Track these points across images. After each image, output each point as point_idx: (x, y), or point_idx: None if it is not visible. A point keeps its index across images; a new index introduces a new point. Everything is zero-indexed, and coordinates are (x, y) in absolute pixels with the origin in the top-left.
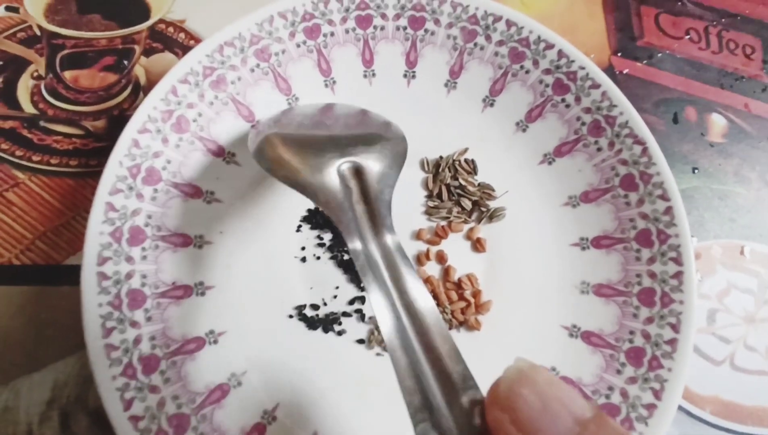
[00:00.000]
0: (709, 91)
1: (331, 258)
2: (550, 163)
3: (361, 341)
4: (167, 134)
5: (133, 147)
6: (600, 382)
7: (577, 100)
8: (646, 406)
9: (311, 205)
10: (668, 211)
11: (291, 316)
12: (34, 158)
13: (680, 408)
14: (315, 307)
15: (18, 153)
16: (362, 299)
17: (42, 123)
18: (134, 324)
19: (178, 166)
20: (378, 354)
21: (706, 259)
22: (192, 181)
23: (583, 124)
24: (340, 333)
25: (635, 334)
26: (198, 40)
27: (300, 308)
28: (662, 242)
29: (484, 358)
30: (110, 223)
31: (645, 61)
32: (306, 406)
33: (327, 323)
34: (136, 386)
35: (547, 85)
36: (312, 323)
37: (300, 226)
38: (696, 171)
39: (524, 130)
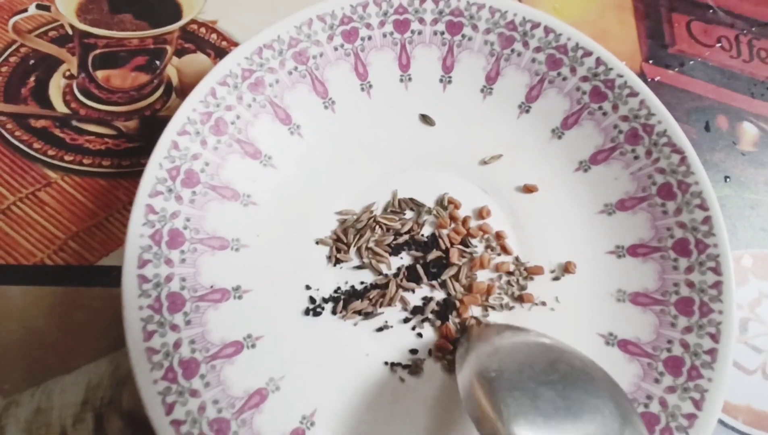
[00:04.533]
0: (740, 99)
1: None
2: (585, 170)
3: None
4: (206, 136)
5: (172, 149)
6: (638, 391)
7: (615, 108)
8: (686, 416)
9: (345, 207)
10: (707, 220)
11: (320, 317)
12: (67, 158)
13: None
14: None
15: (50, 152)
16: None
17: (74, 122)
18: (174, 327)
19: (216, 169)
20: (402, 379)
21: (737, 268)
22: (229, 184)
23: (620, 132)
24: (380, 328)
25: (673, 344)
26: (230, 41)
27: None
28: (701, 252)
29: None
30: (150, 226)
31: (676, 69)
32: (344, 412)
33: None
34: (177, 390)
35: (584, 93)
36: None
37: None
38: (728, 180)
39: (560, 138)
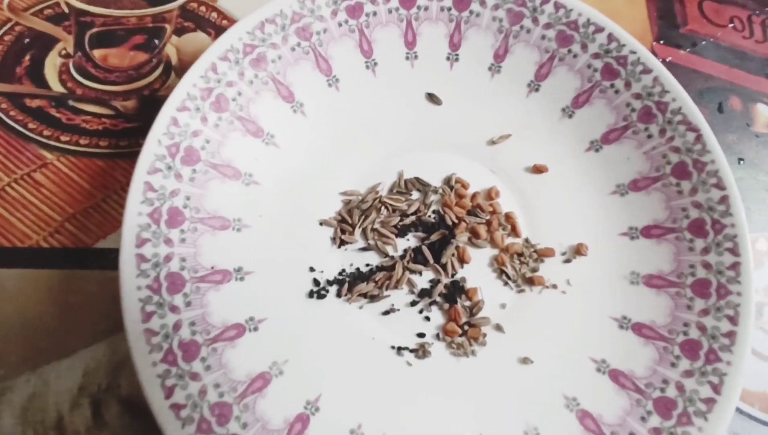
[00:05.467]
0: (753, 80)
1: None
2: (597, 150)
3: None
4: (206, 113)
5: (171, 125)
6: (653, 375)
7: (627, 85)
8: (704, 400)
9: (350, 187)
10: (723, 200)
11: (324, 300)
12: (63, 138)
13: None
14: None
15: (46, 133)
16: (417, 299)
17: (71, 102)
18: (174, 309)
19: (216, 146)
20: (409, 364)
21: (752, 252)
22: (231, 163)
23: (633, 110)
24: (386, 312)
25: (690, 327)
26: (230, 20)
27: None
28: (717, 232)
29: (530, 346)
30: (149, 204)
31: (688, 49)
32: (350, 397)
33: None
34: (177, 373)
35: (595, 70)
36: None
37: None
38: (742, 162)
39: (570, 117)
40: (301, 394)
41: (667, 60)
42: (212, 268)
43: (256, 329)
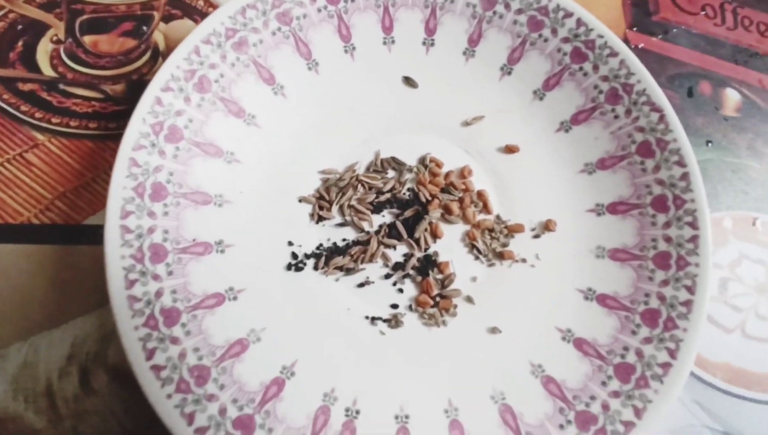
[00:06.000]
0: (723, 66)
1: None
2: (567, 130)
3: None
4: (189, 93)
5: (156, 104)
6: (615, 343)
7: (595, 68)
8: (661, 365)
9: (328, 167)
10: (684, 176)
11: (302, 273)
12: (54, 120)
13: (692, 374)
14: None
15: (37, 115)
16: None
17: (61, 86)
18: (156, 277)
19: (199, 126)
20: (382, 333)
21: (718, 229)
22: (213, 141)
23: (601, 92)
24: (362, 284)
25: (650, 296)
26: (216, 7)
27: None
28: (678, 207)
29: (499, 317)
30: (133, 178)
31: (660, 36)
32: (324, 363)
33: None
34: (158, 337)
35: (565, 54)
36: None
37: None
38: (710, 144)
39: (541, 99)
40: (277, 360)
41: (640, 46)
42: (194, 240)
43: (235, 299)
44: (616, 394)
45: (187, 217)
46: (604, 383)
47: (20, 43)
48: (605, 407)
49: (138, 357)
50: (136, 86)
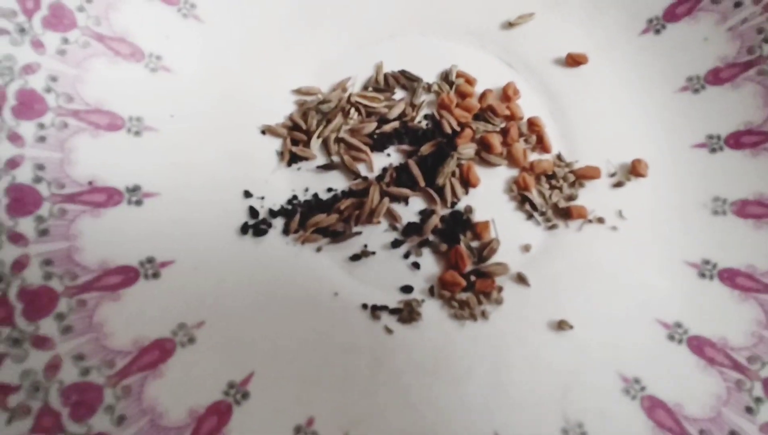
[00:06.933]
0: None
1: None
2: (658, 31)
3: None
4: None
5: None
6: (760, 344)
7: None
8: None
9: (307, 84)
10: None
11: (265, 238)
12: None
13: None
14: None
15: None
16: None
17: None
18: (16, 238)
19: (104, 9)
20: (388, 330)
21: None
22: (126, 36)
23: None
24: (356, 256)
25: None
26: None
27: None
28: None
29: (567, 305)
30: None
31: None
32: (296, 379)
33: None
34: (11, 337)
35: None
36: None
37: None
38: None
39: None
40: (220, 373)
41: None
42: (90, 183)
43: (155, 276)
44: None
45: (81, 147)
46: (749, 410)
47: None
48: None
49: None
50: None
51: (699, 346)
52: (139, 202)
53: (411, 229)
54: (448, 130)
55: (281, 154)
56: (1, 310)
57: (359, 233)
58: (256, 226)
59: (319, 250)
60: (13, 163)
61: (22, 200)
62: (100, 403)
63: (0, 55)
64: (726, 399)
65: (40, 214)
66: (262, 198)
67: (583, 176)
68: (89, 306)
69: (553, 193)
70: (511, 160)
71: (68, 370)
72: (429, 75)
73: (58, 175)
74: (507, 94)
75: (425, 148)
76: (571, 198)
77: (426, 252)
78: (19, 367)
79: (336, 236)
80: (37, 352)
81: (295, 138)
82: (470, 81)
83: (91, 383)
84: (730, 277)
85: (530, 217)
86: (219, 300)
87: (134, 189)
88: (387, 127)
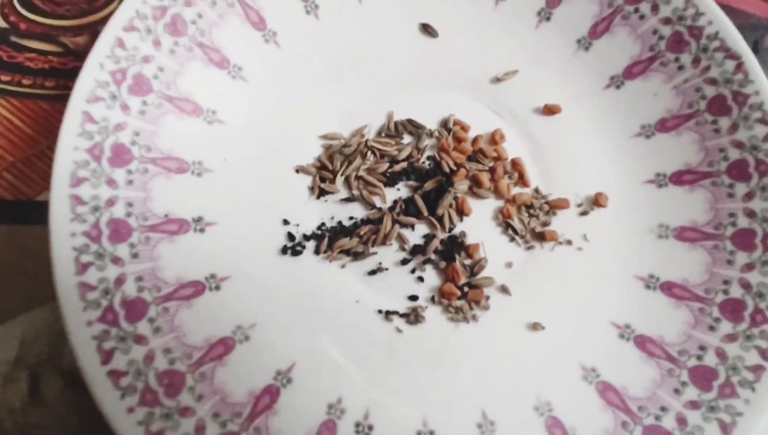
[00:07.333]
0: None
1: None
2: (618, 86)
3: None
4: (159, 36)
5: (117, 47)
6: (688, 341)
7: (654, 9)
8: (751, 368)
9: (331, 131)
10: None
11: (300, 257)
12: (3, 78)
13: None
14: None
15: None
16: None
17: (13, 38)
18: (116, 260)
19: (172, 76)
20: (399, 330)
21: None
22: (189, 96)
23: (661, 38)
24: (373, 271)
25: (731, 284)
26: None
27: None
28: (763, 174)
29: (541, 310)
30: (88, 138)
31: None
32: (328, 368)
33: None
34: (118, 335)
35: None
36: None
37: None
38: None
39: (587, 49)
40: (270, 364)
41: None
42: (166, 216)
43: (217, 288)
44: (694, 405)
45: (158, 187)
46: (677, 391)
47: None
48: (681, 422)
49: (91, 360)
50: None
51: (642, 342)
52: (202, 230)
53: (416, 250)
54: (447, 170)
55: (311, 189)
56: (109, 315)
57: (375, 253)
58: (293, 247)
59: (343, 266)
60: (110, 202)
61: (119, 231)
62: (184, 385)
63: (98, 117)
64: (660, 383)
65: (132, 242)
66: (297, 225)
67: (555, 206)
68: (171, 312)
69: (530, 220)
70: (498, 193)
71: (160, 360)
72: (431, 122)
73: (142, 210)
74: (494, 139)
75: (428, 185)
76: (545, 224)
77: (428, 268)
78: (126, 357)
79: (357, 256)
80: (137, 347)
81: (323, 176)
82: (464, 128)
83: (176, 370)
84: (668, 288)
85: (512, 239)
86: (266, 307)
87: (198, 219)
88: (397, 167)
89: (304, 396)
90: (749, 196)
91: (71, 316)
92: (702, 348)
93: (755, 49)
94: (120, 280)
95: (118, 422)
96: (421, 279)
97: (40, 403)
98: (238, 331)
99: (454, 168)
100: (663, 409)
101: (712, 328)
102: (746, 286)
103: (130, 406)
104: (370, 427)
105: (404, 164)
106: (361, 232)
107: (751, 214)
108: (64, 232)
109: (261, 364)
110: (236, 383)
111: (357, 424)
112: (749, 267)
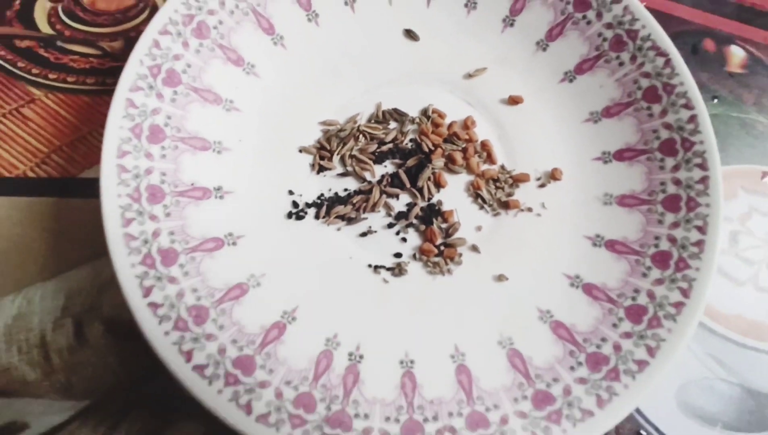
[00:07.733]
0: (727, 24)
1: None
2: (571, 80)
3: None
4: (188, 38)
5: (153, 47)
6: (625, 286)
7: (599, 16)
8: (674, 304)
9: (329, 118)
10: (692, 119)
11: (303, 221)
12: (51, 76)
13: (705, 326)
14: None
15: (34, 71)
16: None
17: (59, 43)
18: (153, 217)
19: (197, 71)
20: (385, 281)
21: (727, 182)
22: (211, 88)
23: (605, 39)
24: (364, 233)
25: (661, 239)
26: None
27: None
28: (687, 149)
29: (505, 265)
30: (130, 119)
31: None
32: (326, 310)
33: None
34: (155, 275)
35: (568, 3)
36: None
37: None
38: (716, 100)
39: (545, 49)
40: (277, 305)
41: (643, 5)
42: (192, 184)
43: (234, 244)
44: (627, 335)
45: (185, 161)
46: (615, 325)
47: (18, 2)
48: (617, 348)
49: (135, 294)
50: (135, 43)
51: (589, 289)
52: (221, 197)
53: (400, 216)
54: (426, 150)
55: (312, 166)
56: (148, 260)
57: (366, 218)
58: (297, 213)
59: (339, 229)
60: (148, 171)
61: (155, 195)
62: (208, 317)
63: (139, 103)
64: (602, 320)
65: (165, 203)
66: (301, 195)
67: (518, 180)
68: (197, 260)
69: (497, 192)
70: (469, 169)
71: (189, 296)
72: (413, 111)
73: (173, 179)
74: (467, 124)
75: (410, 162)
76: (509, 195)
77: (411, 231)
78: (162, 293)
79: (350, 220)
80: (170, 285)
81: (322, 155)
82: (441, 115)
83: (202, 305)
84: (611, 244)
85: (481, 207)
86: (274, 260)
87: (218, 188)
88: (384, 148)
89: (306, 331)
90: (676, 167)
91: (118, 259)
92: (636, 291)
93: (694, 50)
94: (156, 233)
95: (156, 342)
96: (404, 240)
97: (84, 345)
98: (251, 278)
99: (433, 148)
100: (603, 339)
101: (644, 275)
102: (672, 240)
103: (166, 330)
104: (361, 356)
105: (390, 145)
106: (354, 201)
107: (677, 182)
108: (112, 193)
109: (270, 304)
110: (250, 319)
111: (350, 354)
112: (675, 225)
